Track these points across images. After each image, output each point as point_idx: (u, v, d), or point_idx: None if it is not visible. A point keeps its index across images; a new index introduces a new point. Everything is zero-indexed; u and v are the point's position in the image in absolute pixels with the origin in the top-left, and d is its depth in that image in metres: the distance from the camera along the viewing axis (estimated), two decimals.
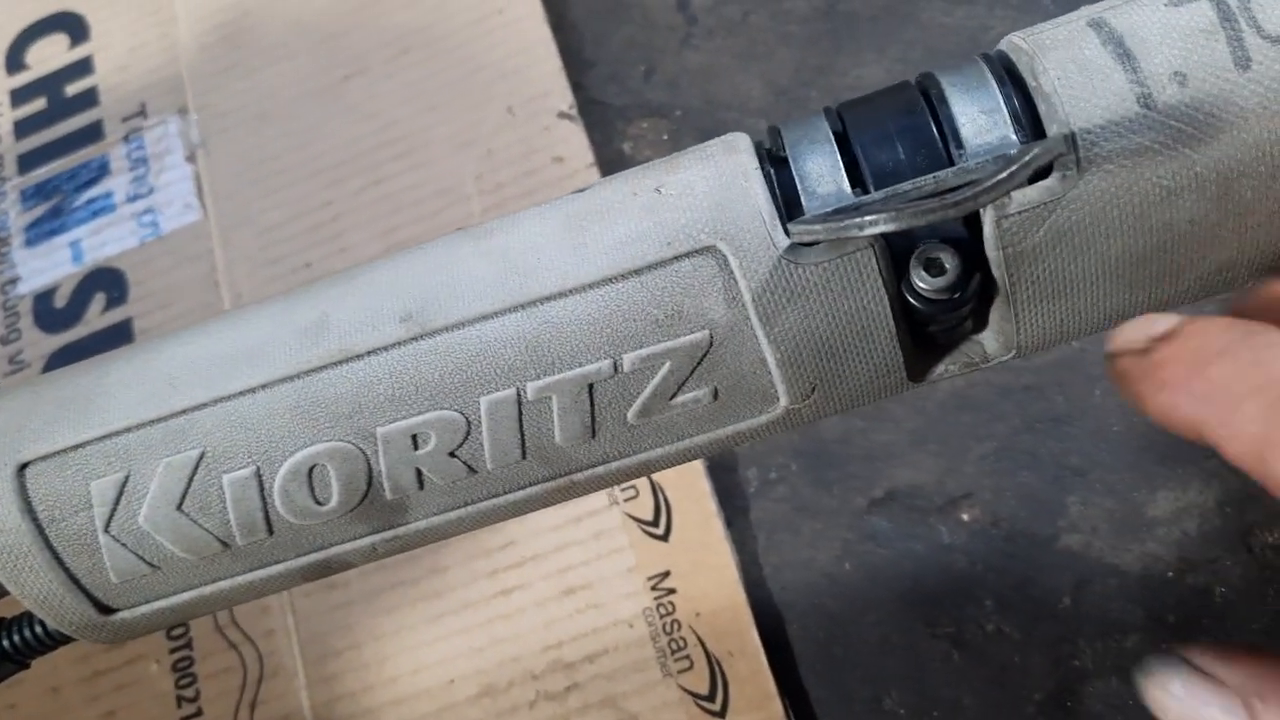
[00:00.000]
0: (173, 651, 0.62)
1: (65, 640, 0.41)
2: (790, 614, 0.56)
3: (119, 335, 0.70)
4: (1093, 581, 0.54)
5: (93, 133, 0.76)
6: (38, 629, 0.41)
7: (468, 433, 0.34)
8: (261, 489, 0.34)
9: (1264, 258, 0.33)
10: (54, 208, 0.74)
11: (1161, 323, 0.30)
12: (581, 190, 0.37)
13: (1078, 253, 0.32)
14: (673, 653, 0.56)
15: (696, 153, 0.36)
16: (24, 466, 0.35)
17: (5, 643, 0.41)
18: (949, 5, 0.65)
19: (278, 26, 0.74)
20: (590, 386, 0.33)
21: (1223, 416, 0.27)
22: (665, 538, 0.58)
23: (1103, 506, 0.55)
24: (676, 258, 0.33)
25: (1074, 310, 0.34)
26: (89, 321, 0.71)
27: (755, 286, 0.32)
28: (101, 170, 0.75)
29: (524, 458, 0.34)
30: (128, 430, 0.35)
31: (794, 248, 0.32)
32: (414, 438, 0.34)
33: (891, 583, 0.56)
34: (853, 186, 0.33)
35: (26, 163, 0.77)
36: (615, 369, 0.33)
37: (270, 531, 0.35)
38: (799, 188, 0.34)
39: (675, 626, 0.56)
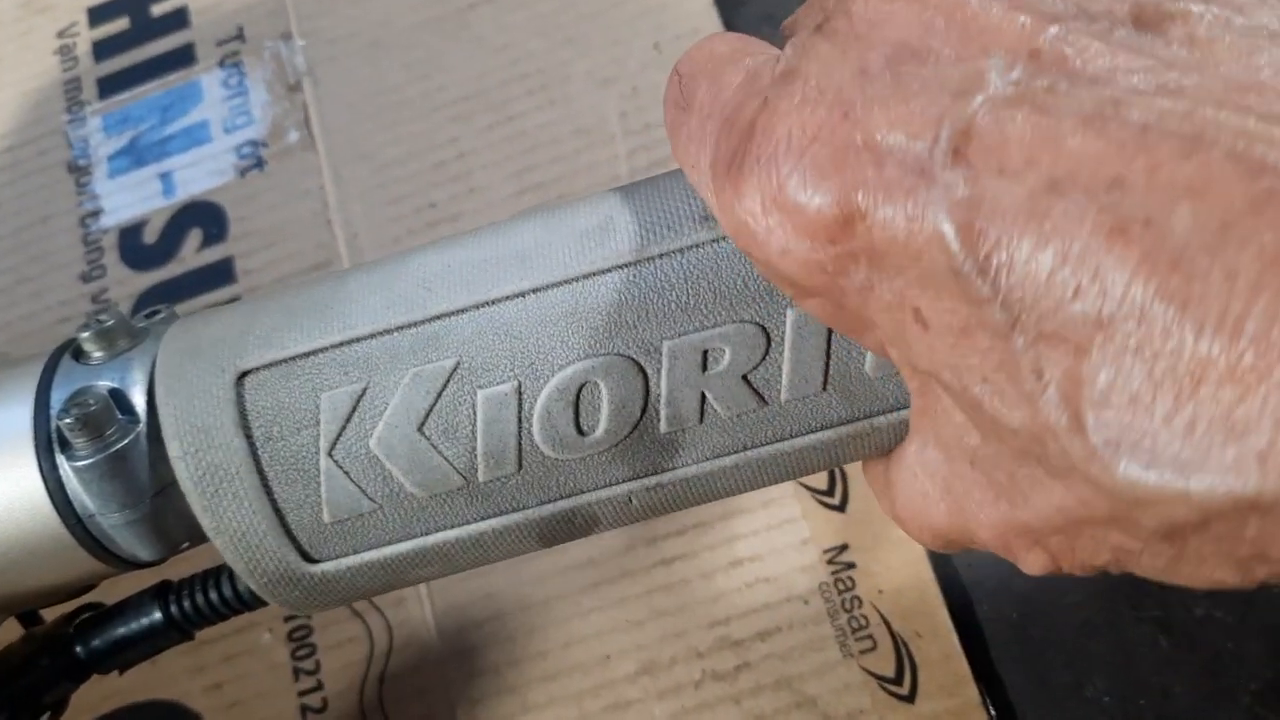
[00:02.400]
0: (288, 619, 0.57)
1: (245, 606, 0.36)
2: (979, 593, 0.52)
3: (219, 275, 0.64)
4: None
5: (183, 57, 0.70)
6: (212, 594, 0.36)
7: (766, 351, 0.29)
8: (520, 409, 0.30)
9: None
10: (140, 136, 0.68)
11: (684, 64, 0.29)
12: None
13: None
14: (853, 632, 0.52)
15: None
16: (244, 375, 0.30)
17: (174, 608, 0.37)
18: None
19: None
20: None
21: (685, 157, 0.27)
22: (842, 508, 0.54)
23: None
24: None
25: None
26: (184, 259, 0.65)
27: None
28: (194, 97, 0.69)
29: (824, 388, 0.30)
30: (372, 336, 0.30)
31: None
32: (704, 354, 0.29)
33: None
34: None
35: (108, 87, 0.70)
36: None
37: (519, 465, 0.30)
38: None
39: (855, 604, 0.52)
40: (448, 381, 0.30)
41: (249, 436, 0.30)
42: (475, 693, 0.54)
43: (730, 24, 0.64)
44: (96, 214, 0.67)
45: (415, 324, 0.30)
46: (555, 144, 0.62)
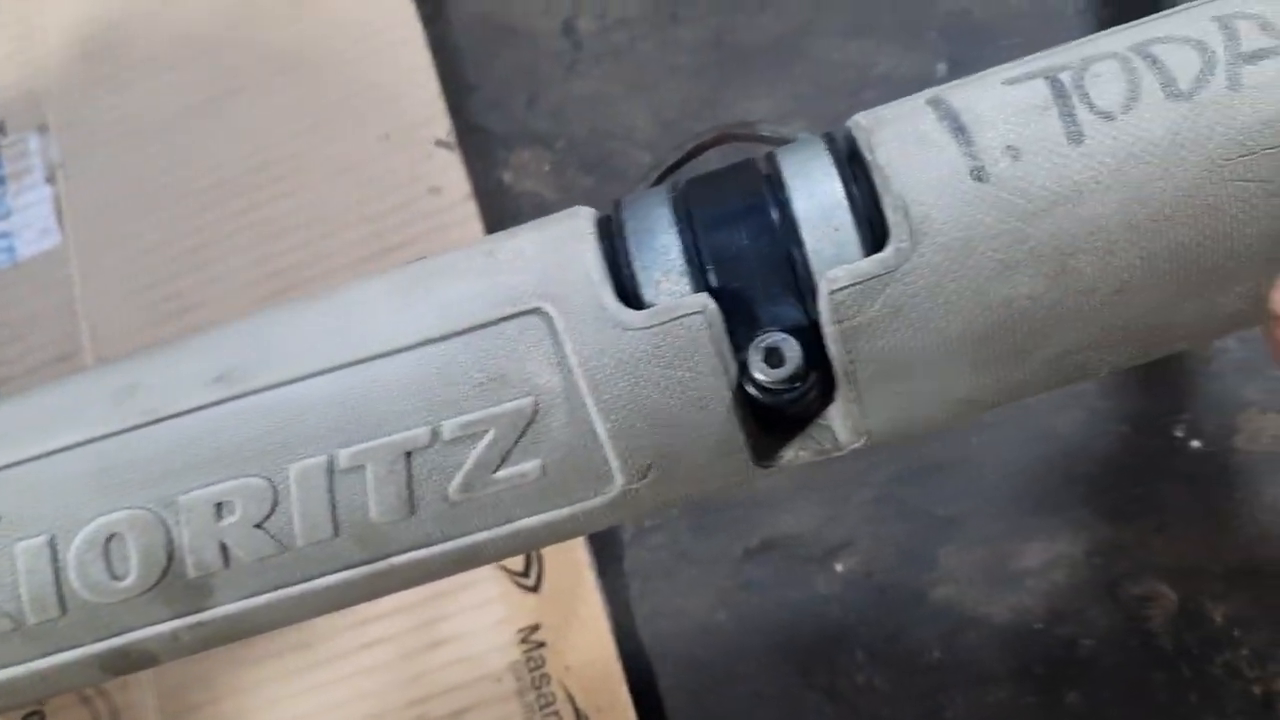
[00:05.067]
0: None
1: None
2: (663, 666, 0.55)
3: None
4: (963, 633, 0.54)
5: None
6: None
7: (275, 503, 0.32)
8: (55, 560, 0.33)
9: (1114, 342, 0.32)
10: None
11: None
12: (424, 257, 0.35)
13: (916, 329, 0.31)
14: (541, 708, 0.54)
15: (537, 221, 0.35)
16: None
17: None
18: (838, 41, 0.64)
19: (149, 41, 0.71)
20: (407, 455, 0.32)
21: None
22: (536, 589, 0.56)
23: (974, 557, 0.54)
24: (502, 319, 0.32)
25: (918, 393, 0.33)
26: None
27: (582, 350, 0.31)
28: None
29: (337, 534, 0.33)
30: None
31: (623, 311, 0.31)
32: (218, 507, 0.32)
33: (766, 633, 0.55)
34: (689, 264, 0.33)
35: None
36: (434, 436, 0.32)
37: (63, 610, 0.33)
38: (634, 259, 0.33)
39: (544, 681, 0.55)
40: None
41: None
42: None
43: (459, 112, 0.66)
44: None
45: None
46: (293, 232, 0.64)
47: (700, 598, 0.56)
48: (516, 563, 0.57)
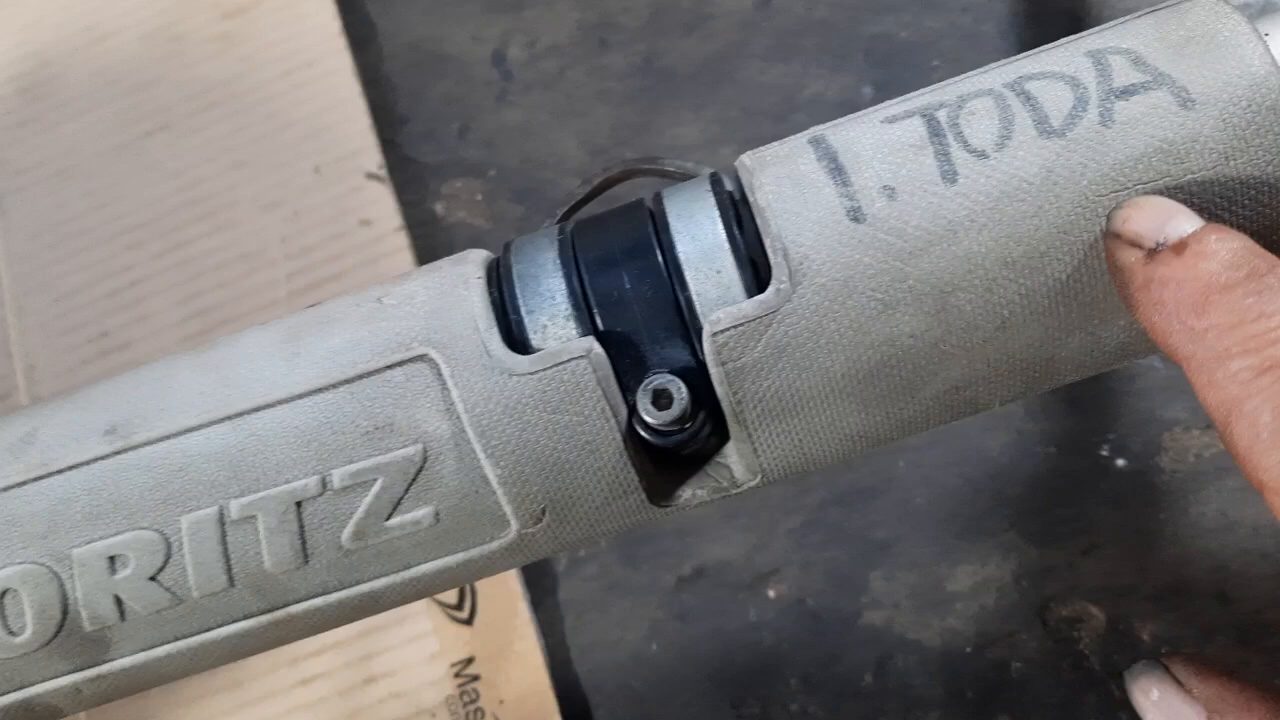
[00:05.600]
0: None
1: None
2: (597, 697, 0.55)
3: None
4: (894, 658, 0.54)
5: None
6: None
7: (168, 555, 0.32)
8: None
9: (1001, 376, 0.32)
10: None
11: (1177, 225, 0.27)
12: (316, 304, 0.35)
13: (801, 368, 0.31)
14: None
15: (432, 264, 0.35)
16: None
17: None
18: (765, 64, 0.64)
19: (80, 78, 0.70)
20: (298, 505, 0.32)
21: (1207, 363, 0.25)
22: (470, 622, 0.56)
23: (905, 581, 0.54)
24: (389, 367, 0.32)
25: (809, 431, 0.33)
26: None
27: (469, 397, 0.31)
28: None
29: (232, 585, 0.33)
30: None
31: (509, 357, 0.31)
32: (111, 560, 0.32)
33: (699, 663, 0.55)
34: (575, 309, 0.33)
35: None
36: (323, 485, 0.32)
37: None
38: (520, 304, 0.33)
39: (479, 715, 0.55)
40: None
41: None
42: None
43: (391, 144, 0.66)
44: None
45: None
46: (221, 269, 0.64)
47: (634, 629, 0.56)
48: (450, 596, 0.57)
